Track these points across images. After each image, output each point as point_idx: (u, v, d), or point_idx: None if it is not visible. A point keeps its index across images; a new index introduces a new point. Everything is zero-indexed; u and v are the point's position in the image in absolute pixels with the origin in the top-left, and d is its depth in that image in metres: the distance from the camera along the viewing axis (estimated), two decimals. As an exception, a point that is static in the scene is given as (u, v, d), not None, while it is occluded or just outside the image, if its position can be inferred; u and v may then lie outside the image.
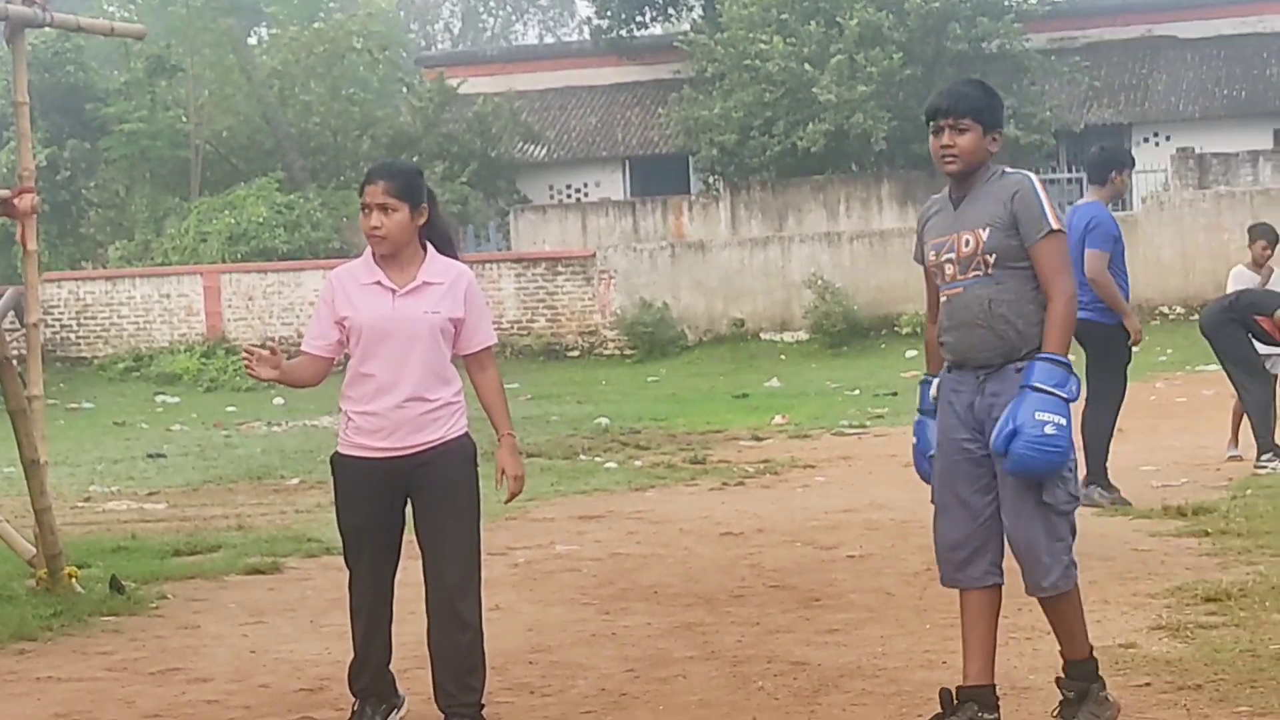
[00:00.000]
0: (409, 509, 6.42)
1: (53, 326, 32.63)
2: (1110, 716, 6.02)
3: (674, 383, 27.76)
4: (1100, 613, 8.14)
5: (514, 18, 75.61)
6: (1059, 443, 5.70)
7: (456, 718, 6.30)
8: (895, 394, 22.54)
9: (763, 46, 33.86)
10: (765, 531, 11.56)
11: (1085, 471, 11.26)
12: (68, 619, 8.92)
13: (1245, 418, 13.88)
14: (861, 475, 14.87)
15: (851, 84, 32.81)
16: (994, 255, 5.88)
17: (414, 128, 39.33)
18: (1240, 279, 14.60)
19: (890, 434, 18.43)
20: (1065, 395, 5.72)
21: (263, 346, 6.31)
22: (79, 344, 33.33)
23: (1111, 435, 11.78)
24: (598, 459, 17.29)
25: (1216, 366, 13.84)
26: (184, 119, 38.45)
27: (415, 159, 38.21)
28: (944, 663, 7.26)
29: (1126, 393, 12.00)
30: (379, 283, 6.29)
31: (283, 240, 34.29)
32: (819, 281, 30.49)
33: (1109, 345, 11.61)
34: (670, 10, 43.34)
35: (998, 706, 6.04)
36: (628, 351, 31.44)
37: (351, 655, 6.53)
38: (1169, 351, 25.68)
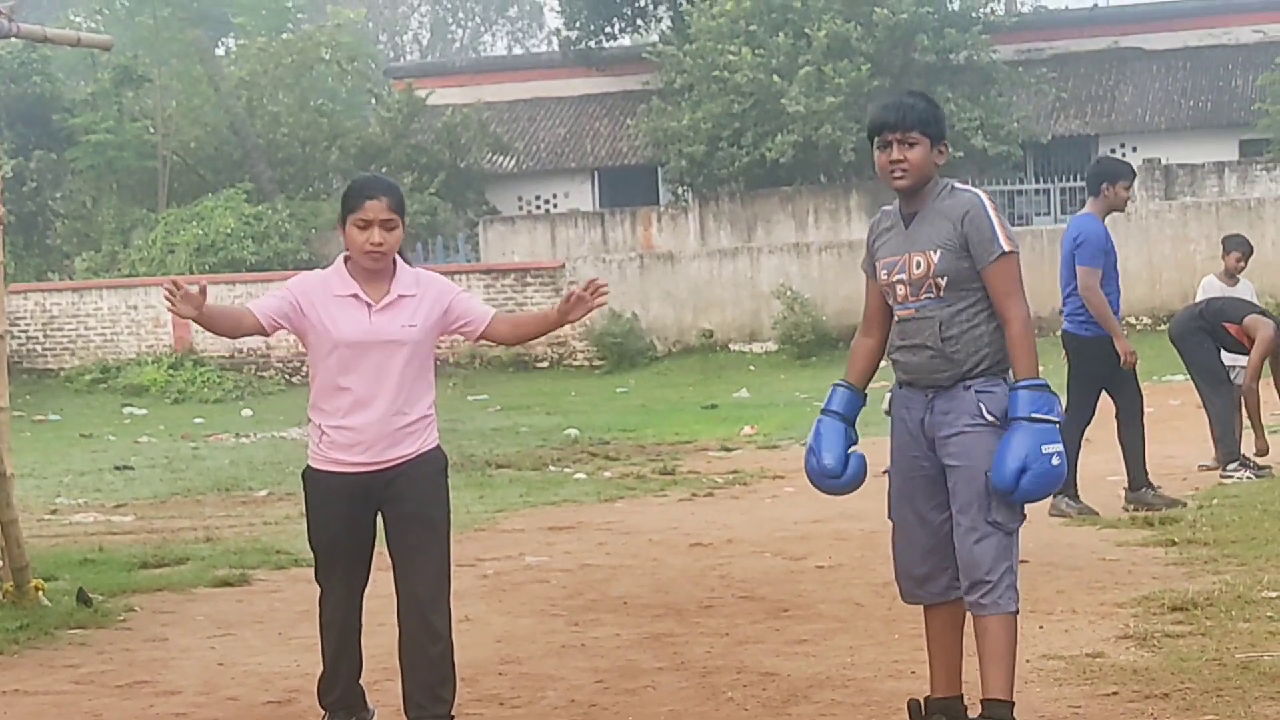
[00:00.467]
0: (379, 521, 6.37)
1: (19, 338, 32.51)
2: None
3: (643, 394, 27.77)
4: (1068, 622, 8.16)
5: (483, 29, 75.64)
6: (1062, 470, 5.78)
7: None
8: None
9: (731, 58, 33.91)
10: (734, 542, 11.57)
11: None
12: (34, 632, 8.88)
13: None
14: (830, 486, 14.87)
15: (820, 95, 32.87)
16: (945, 279, 5.85)
17: (383, 138, 39.28)
18: (1210, 289, 14.67)
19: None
20: (1056, 419, 5.76)
21: (182, 289, 6.07)
22: (45, 355, 33.21)
23: (1079, 447, 11.84)
24: (567, 470, 17.29)
25: (1184, 376, 13.91)
26: (151, 130, 38.37)
27: (384, 170, 38.20)
28: (913, 673, 7.26)
29: (1143, 403, 12.00)
30: (355, 296, 6.19)
31: (251, 251, 34.23)
32: (788, 292, 30.53)
33: (1086, 358, 11.69)
34: (639, 22, 43.34)
35: (966, 717, 6.04)
36: (597, 362, 31.44)
37: (321, 669, 6.50)
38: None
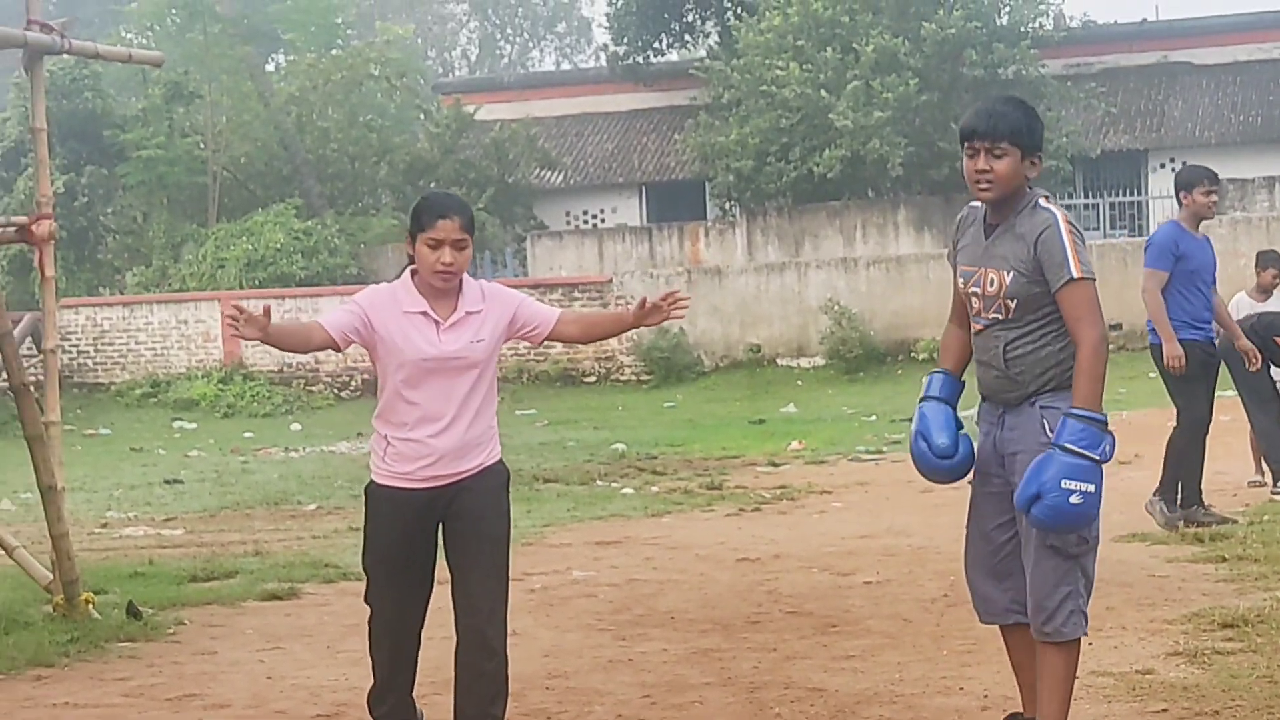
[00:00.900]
0: (439, 536, 6.30)
1: (70, 352, 32.71)
2: None
3: (690, 408, 27.76)
4: (1117, 639, 8.12)
5: (531, 44, 75.80)
6: (1084, 510, 5.51)
7: None
8: (911, 420, 22.55)
9: (779, 73, 33.88)
10: (782, 557, 11.56)
11: (1181, 495, 11.65)
12: (84, 645, 8.93)
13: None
14: (878, 501, 14.85)
15: (868, 110, 32.82)
16: (1014, 301, 5.72)
17: (431, 154, 39.39)
18: (1241, 306, 14.58)
19: (907, 460, 18.41)
20: (1097, 457, 5.50)
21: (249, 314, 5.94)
22: (96, 370, 33.40)
23: (1197, 456, 11.76)
24: (614, 485, 17.29)
25: (1234, 392, 13.81)
26: (202, 145, 38.56)
27: (432, 185, 38.31)
28: (961, 689, 7.25)
29: (1209, 415, 11.93)
30: (424, 313, 6.13)
31: (300, 266, 34.36)
32: (835, 307, 30.48)
33: (1164, 366, 11.68)
34: (687, 37, 43.38)
35: None
36: (644, 377, 31.44)
37: (372, 681, 6.43)
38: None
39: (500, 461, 6.31)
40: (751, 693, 7.42)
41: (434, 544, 6.27)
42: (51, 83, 35.36)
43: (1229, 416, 16.70)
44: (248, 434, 26.53)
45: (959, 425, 5.99)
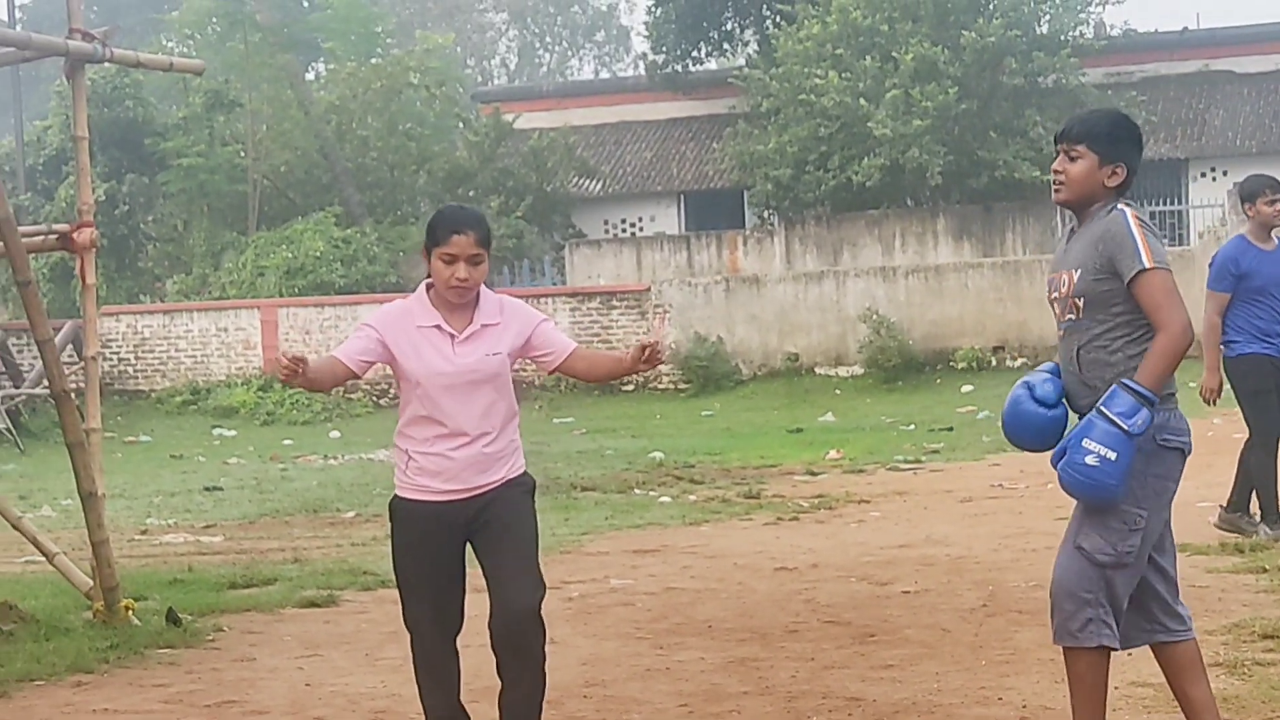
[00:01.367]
0: (467, 553, 6.27)
1: (110, 360, 32.86)
2: None
3: (728, 417, 27.74)
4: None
5: (570, 53, 75.92)
6: (1098, 476, 5.51)
7: None
8: (950, 429, 22.48)
9: (818, 81, 33.86)
10: (820, 567, 11.54)
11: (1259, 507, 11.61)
12: (124, 651, 8.97)
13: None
14: (917, 510, 14.82)
15: (907, 119, 32.77)
16: (1082, 300, 5.71)
17: (470, 162, 39.47)
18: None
19: (945, 469, 18.37)
20: (1127, 427, 5.48)
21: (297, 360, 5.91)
22: (137, 377, 33.53)
23: (1272, 470, 11.67)
24: (652, 493, 17.28)
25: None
26: (242, 154, 38.69)
27: (471, 193, 38.41)
28: (1000, 699, 7.23)
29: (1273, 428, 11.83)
30: (438, 327, 6.14)
31: (339, 274, 34.45)
32: (874, 316, 30.43)
33: (1237, 376, 11.65)
34: (725, 46, 43.40)
35: None
36: (682, 386, 31.42)
37: (419, 692, 6.41)
38: (1226, 388, 25.47)
39: (525, 473, 6.30)
40: (789, 702, 7.42)
41: (461, 557, 6.25)
42: (93, 91, 35.59)
43: None
44: (287, 441, 26.60)
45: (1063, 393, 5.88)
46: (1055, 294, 5.87)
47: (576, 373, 6.42)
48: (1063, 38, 34.60)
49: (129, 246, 38.87)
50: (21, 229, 9.63)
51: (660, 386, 31.69)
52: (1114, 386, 5.57)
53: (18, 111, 39.65)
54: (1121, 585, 5.68)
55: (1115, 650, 5.74)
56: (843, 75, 33.76)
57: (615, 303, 32.09)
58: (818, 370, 31.26)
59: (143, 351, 33.56)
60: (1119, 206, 5.71)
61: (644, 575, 11.50)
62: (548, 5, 74.53)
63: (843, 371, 31.07)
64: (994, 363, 29.92)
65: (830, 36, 34.39)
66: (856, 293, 31.24)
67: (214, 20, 41.55)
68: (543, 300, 32.04)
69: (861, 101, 33.31)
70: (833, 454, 20.70)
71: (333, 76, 43.29)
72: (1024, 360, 29.64)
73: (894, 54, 33.57)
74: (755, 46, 41.11)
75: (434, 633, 6.27)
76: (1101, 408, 5.54)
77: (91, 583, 9.74)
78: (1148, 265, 5.56)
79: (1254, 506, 11.79)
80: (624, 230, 40.96)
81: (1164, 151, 37.34)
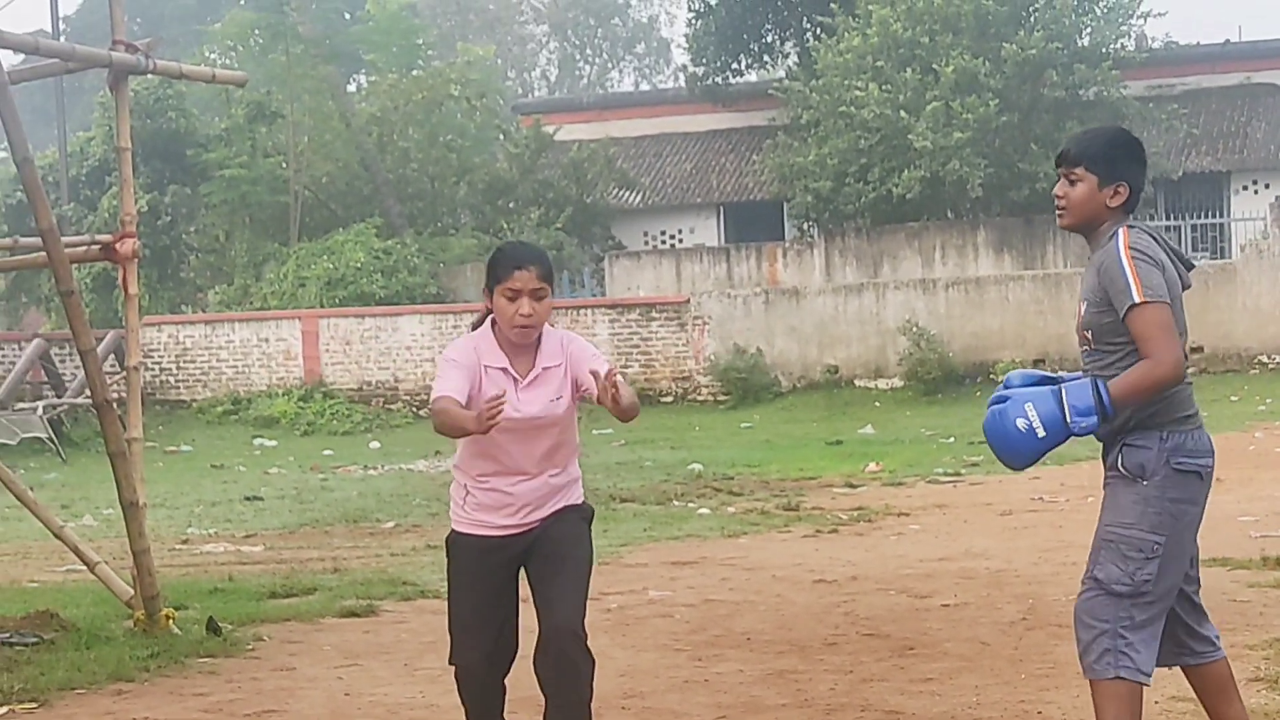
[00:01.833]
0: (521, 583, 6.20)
1: (152, 370, 32.99)
2: None
3: (767, 429, 27.71)
4: (1198, 664, 8.05)
5: (610, 65, 76.01)
6: (1017, 443, 5.47)
7: None
8: (990, 442, 22.40)
9: (858, 93, 33.83)
10: (859, 579, 11.52)
11: None
12: (165, 660, 9.00)
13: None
14: (956, 524, 14.78)
15: (947, 131, 32.72)
16: (1090, 332, 5.63)
17: (510, 174, 39.55)
18: None
19: (985, 482, 18.32)
20: (1070, 422, 5.42)
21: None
22: (178, 387, 33.66)
23: None
24: (691, 505, 17.28)
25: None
26: (284, 165, 38.83)
27: (511, 205, 38.49)
28: (1039, 713, 7.20)
29: None
30: (504, 370, 5.98)
31: (380, 285, 34.53)
32: (914, 328, 30.36)
33: None
34: (765, 58, 43.42)
35: None
36: (721, 397, 31.41)
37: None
38: (1268, 401, 25.39)
39: (584, 503, 6.22)
40: (828, 715, 7.40)
41: (516, 590, 6.16)
42: (136, 102, 35.77)
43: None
44: (327, 451, 26.67)
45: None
46: (1076, 324, 5.81)
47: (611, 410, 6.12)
48: (1104, 50, 34.49)
49: (171, 257, 39.05)
50: (65, 239, 9.68)
51: (699, 398, 31.68)
52: (1088, 380, 5.51)
53: (61, 122, 39.86)
54: (1145, 614, 5.54)
55: (1140, 683, 5.55)
56: (883, 87, 33.73)
57: (655, 314, 32.10)
58: (857, 382, 31.21)
59: (184, 361, 33.69)
60: (1118, 232, 5.56)
61: (682, 587, 11.49)
62: (588, 17, 74.66)
63: (882, 384, 31.00)
64: (1034, 376, 29.78)
65: (871, 49, 34.36)
66: (896, 305, 31.19)
67: (256, 32, 41.73)
68: (582, 312, 32.08)
69: (902, 114, 33.27)
70: (872, 466, 20.66)
71: (374, 88, 43.43)
72: (1064, 373, 29.52)
73: (934, 66, 33.51)
74: (795, 59, 41.13)
75: (486, 670, 6.16)
76: (1064, 389, 5.49)
77: (132, 592, 9.78)
78: (1138, 300, 5.41)
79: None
80: (663, 242, 40.99)
81: (1206, 164, 37.21)
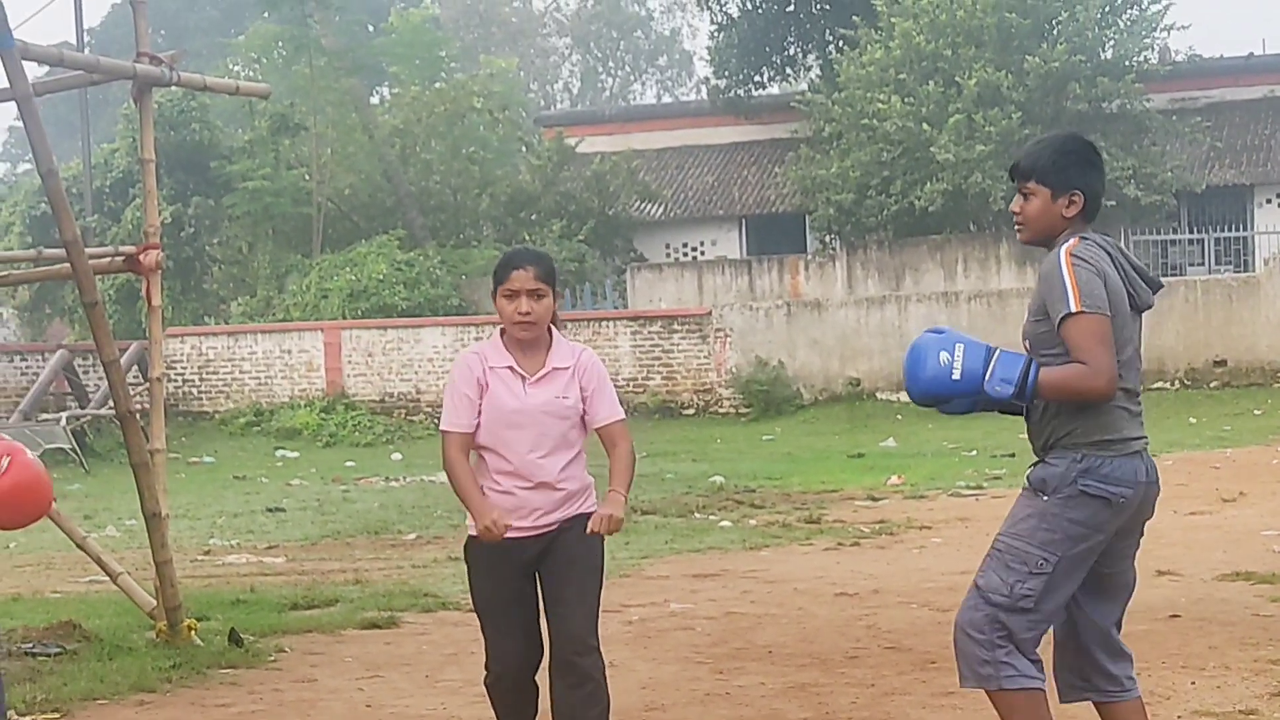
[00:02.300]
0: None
1: (175, 381, 33.07)
2: None
3: (789, 442, 27.68)
4: (1220, 678, 8.04)
5: (632, 78, 76.11)
6: (932, 373, 5.34)
7: None
8: (1013, 455, 22.35)
9: (880, 106, 33.83)
10: (881, 592, 11.51)
11: None
12: (186, 671, 9.01)
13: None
14: (979, 537, 14.74)
15: (970, 144, 32.70)
16: (1028, 342, 5.52)
17: (533, 186, 39.60)
18: None
19: (1007, 496, 18.27)
20: (986, 382, 5.30)
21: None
22: (201, 399, 33.73)
23: None
24: (712, 517, 17.26)
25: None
26: (307, 177, 38.92)
27: (533, 217, 38.54)
28: (1061, 727, 7.18)
29: None
30: (510, 368, 6.24)
31: (402, 297, 34.57)
32: (936, 341, 30.26)
33: None
34: (788, 70, 43.42)
35: None
36: (743, 410, 31.40)
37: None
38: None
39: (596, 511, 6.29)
40: (849, 728, 7.39)
41: (535, 589, 6.33)
42: (160, 114, 35.89)
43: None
44: (349, 463, 26.70)
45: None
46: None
47: (605, 446, 6.37)
48: (1127, 63, 34.44)
49: (194, 269, 39.17)
50: (88, 250, 9.72)
51: (721, 410, 31.68)
52: (1025, 356, 5.39)
53: (85, 134, 39.98)
54: (1021, 629, 5.41)
55: (1030, 689, 5.42)
56: (905, 100, 33.72)
57: (676, 326, 32.10)
58: (879, 395, 31.18)
59: (207, 373, 33.76)
60: (1067, 240, 5.42)
61: (704, 599, 11.49)
62: (611, 30, 74.78)
63: (904, 396, 30.81)
64: (1057, 389, 29.75)
65: (893, 61, 34.36)
66: (918, 318, 31.14)
67: (280, 44, 41.89)
68: (604, 324, 32.09)
69: (924, 126, 33.26)
70: (894, 479, 20.63)
71: (397, 101, 43.52)
72: (1087, 386, 29.50)
73: (957, 79, 33.50)
74: (817, 71, 41.13)
75: (519, 665, 6.31)
76: (1000, 352, 5.35)
77: (155, 602, 9.80)
78: (1074, 309, 5.25)
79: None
80: (685, 254, 41.00)
81: (1229, 178, 37.13)
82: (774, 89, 44.78)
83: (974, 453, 23.83)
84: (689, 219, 41.49)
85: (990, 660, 5.39)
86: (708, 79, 45.46)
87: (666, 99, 70.20)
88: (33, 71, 10.63)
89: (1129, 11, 35.07)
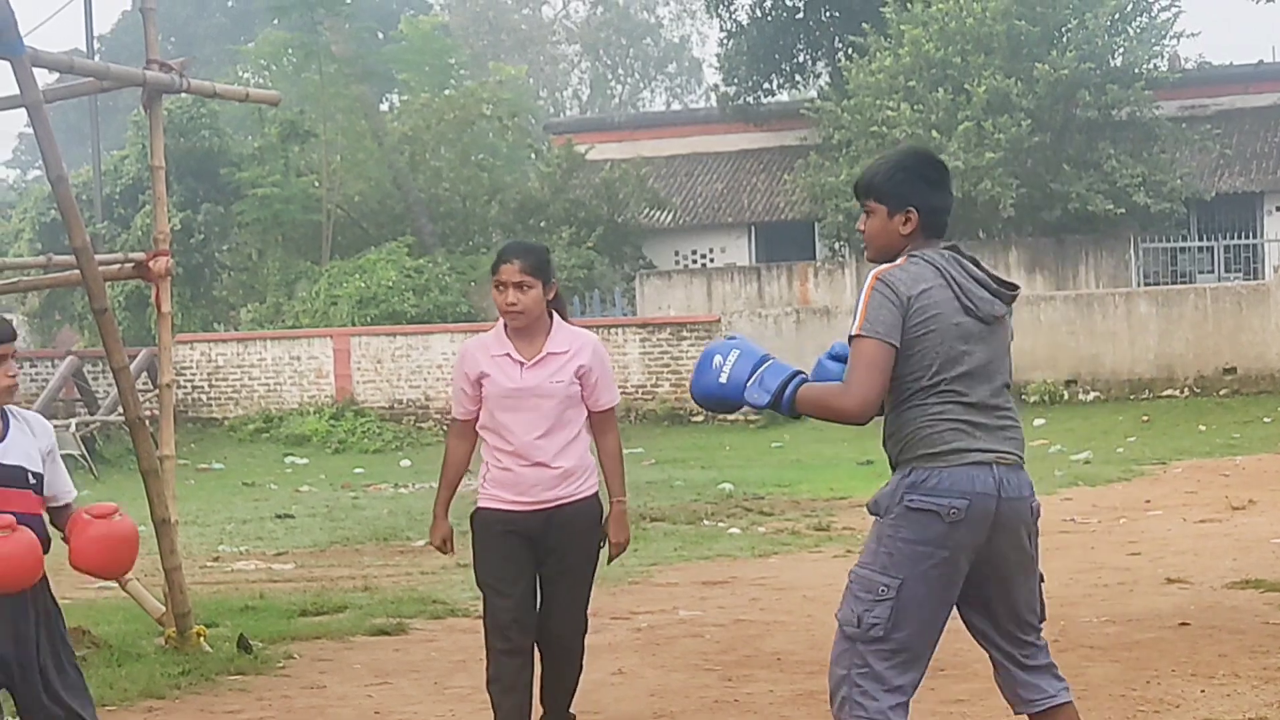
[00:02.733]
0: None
1: (185, 388, 33.07)
2: None
3: (798, 449, 27.66)
4: (1230, 686, 8.02)
5: (642, 85, 76.14)
6: (704, 373, 5.36)
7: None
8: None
9: (890, 113, 33.82)
10: (889, 600, 11.47)
11: None
12: (195, 678, 9.02)
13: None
14: (987, 544, 14.72)
15: (979, 151, 32.68)
16: None
17: (542, 193, 39.60)
18: None
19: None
20: (749, 386, 5.30)
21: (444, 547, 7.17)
22: (210, 405, 33.75)
23: None
24: (721, 524, 17.26)
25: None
26: (316, 184, 38.93)
27: (543, 224, 38.53)
28: (1070, 735, 7.16)
29: None
30: (508, 355, 6.77)
31: (412, 304, 34.58)
32: (945, 349, 30.25)
33: None
34: (797, 78, 43.43)
35: None
36: (752, 417, 31.34)
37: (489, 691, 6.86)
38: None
39: (594, 497, 6.82)
40: (858, 735, 7.37)
41: (532, 567, 6.87)
42: (170, 121, 35.95)
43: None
44: (358, 470, 26.71)
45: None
46: None
47: (594, 432, 6.97)
48: (1137, 70, 34.41)
49: (204, 275, 39.19)
50: (98, 257, 9.73)
51: (730, 417, 31.64)
52: (793, 370, 5.37)
53: (95, 141, 40.06)
54: (878, 661, 5.26)
55: None
56: (915, 107, 33.72)
57: (685, 334, 32.10)
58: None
59: (216, 379, 33.78)
60: (896, 261, 5.34)
61: (713, 607, 11.48)
62: (620, 37, 74.82)
63: (913, 404, 30.89)
64: (1066, 396, 29.74)
65: (902, 69, 34.36)
66: (928, 325, 31.07)
67: (289, 51, 41.93)
68: (613, 330, 32.09)
69: (933, 133, 33.24)
70: (903, 487, 20.58)
71: (406, 108, 43.55)
72: (1097, 394, 29.47)
73: (966, 86, 33.49)
74: (827, 78, 41.13)
75: (516, 629, 6.74)
76: (770, 363, 5.35)
77: (164, 609, 9.81)
78: (855, 331, 5.17)
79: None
80: (694, 261, 41.00)
81: (1239, 185, 37.08)
82: (783, 96, 44.79)
83: (983, 460, 23.78)
84: (698, 226, 41.49)
85: (849, 698, 5.24)
86: (717, 86, 45.46)
87: (676, 106, 70.22)
88: (43, 78, 10.64)
89: (1139, 19, 35.04)
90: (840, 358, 5.52)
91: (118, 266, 10.59)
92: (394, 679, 9.12)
